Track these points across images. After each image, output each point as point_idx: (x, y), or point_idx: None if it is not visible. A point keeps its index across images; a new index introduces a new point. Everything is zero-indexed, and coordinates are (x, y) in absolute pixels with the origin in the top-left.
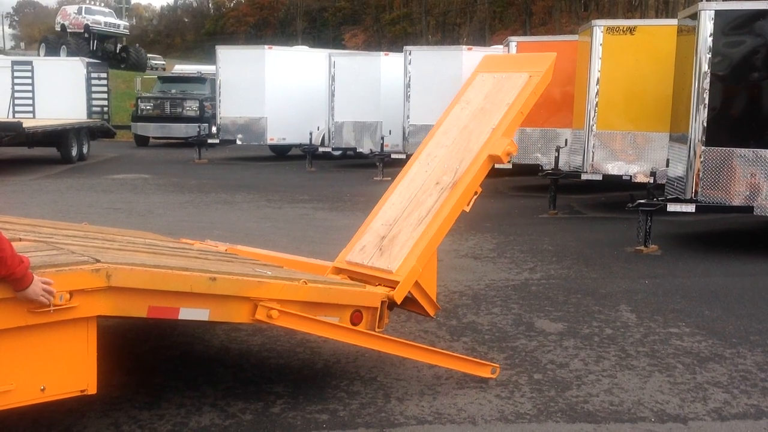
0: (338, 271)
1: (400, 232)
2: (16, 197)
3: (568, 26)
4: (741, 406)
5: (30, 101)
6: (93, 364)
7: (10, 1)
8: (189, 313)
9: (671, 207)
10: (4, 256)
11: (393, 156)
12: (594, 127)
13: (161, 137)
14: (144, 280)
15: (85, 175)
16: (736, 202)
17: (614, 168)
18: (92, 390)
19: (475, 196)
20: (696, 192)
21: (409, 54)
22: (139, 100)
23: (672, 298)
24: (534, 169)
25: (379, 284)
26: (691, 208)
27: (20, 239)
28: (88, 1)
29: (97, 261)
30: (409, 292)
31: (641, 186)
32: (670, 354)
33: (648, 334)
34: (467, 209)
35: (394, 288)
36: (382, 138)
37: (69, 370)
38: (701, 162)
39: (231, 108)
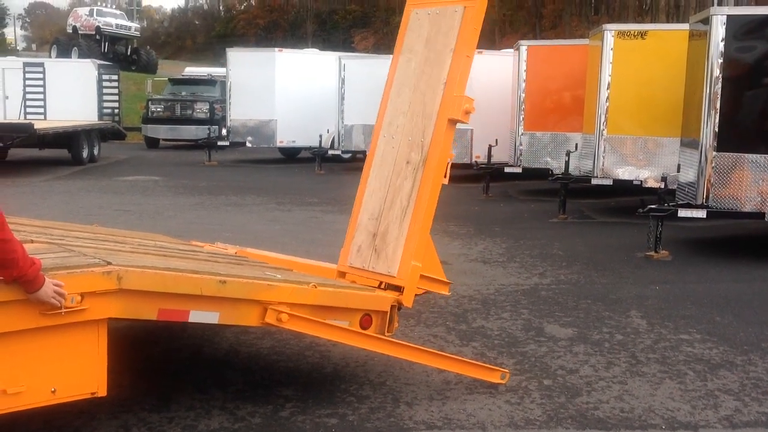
0: (342, 274)
1: (389, 227)
2: (27, 198)
3: (579, 30)
4: (752, 414)
5: (41, 103)
6: (103, 367)
7: (22, 2)
8: (199, 315)
9: (682, 212)
10: (16, 258)
11: None
12: (604, 132)
13: (171, 139)
14: (154, 283)
15: (95, 176)
16: (748, 207)
17: (624, 173)
18: (102, 392)
19: (449, 163)
20: (707, 197)
21: None
22: (149, 102)
23: (683, 304)
24: (544, 174)
25: (381, 284)
26: (702, 213)
27: (32, 241)
28: (99, 3)
29: (108, 263)
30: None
31: (652, 191)
32: (680, 361)
33: (659, 340)
34: (446, 181)
35: (399, 289)
36: None
37: (79, 372)
38: (712, 167)
39: (241, 110)
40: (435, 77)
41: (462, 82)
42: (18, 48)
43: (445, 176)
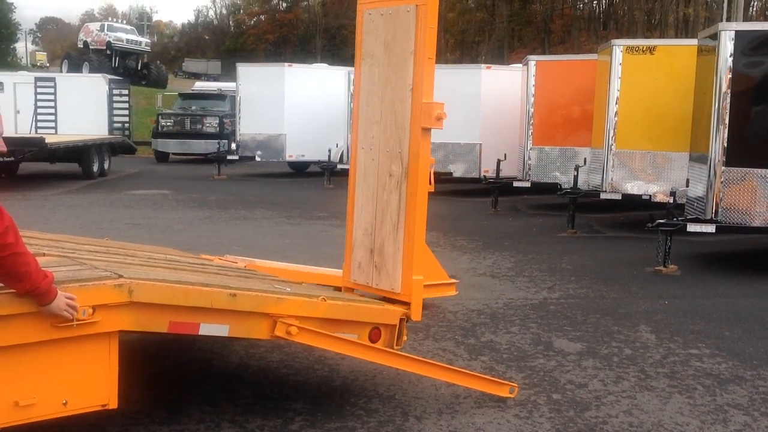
0: (349, 291)
1: (384, 243)
2: (38, 212)
3: (587, 45)
4: (761, 429)
5: (52, 117)
6: (114, 379)
7: (34, 17)
8: (209, 328)
9: (691, 227)
10: (29, 271)
11: None
12: (613, 147)
13: (181, 153)
14: (165, 296)
15: (105, 190)
16: (757, 222)
17: (633, 187)
18: (113, 405)
19: (432, 169)
20: (716, 212)
21: None
22: (159, 117)
23: (692, 318)
24: (553, 188)
25: (386, 297)
26: (711, 228)
27: (44, 254)
28: (110, 19)
29: (120, 276)
30: None
31: (661, 206)
32: (689, 375)
33: (668, 355)
34: (432, 189)
35: (405, 304)
36: None
37: (91, 384)
38: (721, 182)
39: (250, 125)
40: (400, 84)
41: (428, 87)
42: (48, 65)
43: (429, 183)
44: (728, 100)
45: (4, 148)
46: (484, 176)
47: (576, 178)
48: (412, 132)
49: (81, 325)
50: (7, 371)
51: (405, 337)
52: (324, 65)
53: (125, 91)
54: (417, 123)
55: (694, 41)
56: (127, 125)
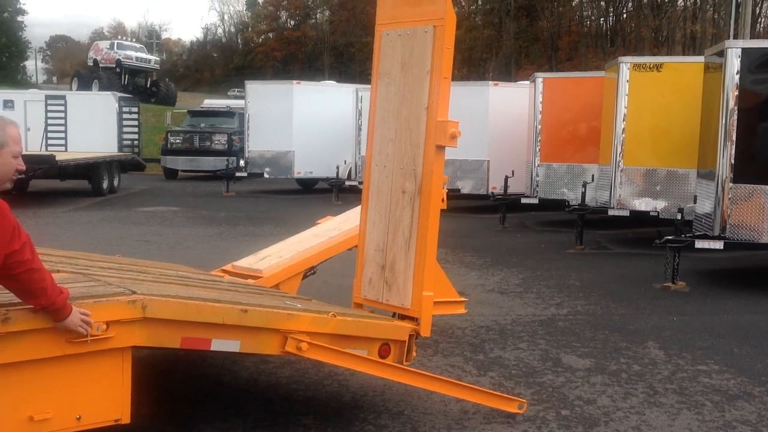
0: (358, 306)
1: (395, 259)
2: (49, 229)
3: (594, 62)
4: None
5: (63, 134)
6: (127, 394)
7: (44, 35)
8: (221, 344)
9: (699, 243)
10: (45, 287)
11: None
12: (621, 163)
13: (190, 170)
14: (178, 312)
15: (115, 207)
16: (765, 239)
17: (641, 204)
18: (126, 419)
19: (445, 188)
20: (724, 229)
21: None
22: (169, 134)
23: (700, 335)
24: (560, 205)
25: (394, 314)
26: (719, 244)
27: (58, 271)
28: (120, 37)
29: (134, 292)
30: None
31: (669, 222)
32: (698, 391)
33: (676, 371)
34: (444, 206)
35: (414, 320)
36: None
37: (104, 399)
38: (729, 199)
39: (259, 142)
40: (416, 103)
41: (443, 105)
42: (39, 81)
43: (442, 200)
44: (735, 116)
45: (23, 166)
46: (492, 193)
47: (584, 194)
48: (426, 150)
49: (95, 340)
50: (22, 386)
51: (414, 353)
52: (332, 82)
53: (135, 109)
54: (431, 141)
55: (701, 58)
56: (136, 142)
